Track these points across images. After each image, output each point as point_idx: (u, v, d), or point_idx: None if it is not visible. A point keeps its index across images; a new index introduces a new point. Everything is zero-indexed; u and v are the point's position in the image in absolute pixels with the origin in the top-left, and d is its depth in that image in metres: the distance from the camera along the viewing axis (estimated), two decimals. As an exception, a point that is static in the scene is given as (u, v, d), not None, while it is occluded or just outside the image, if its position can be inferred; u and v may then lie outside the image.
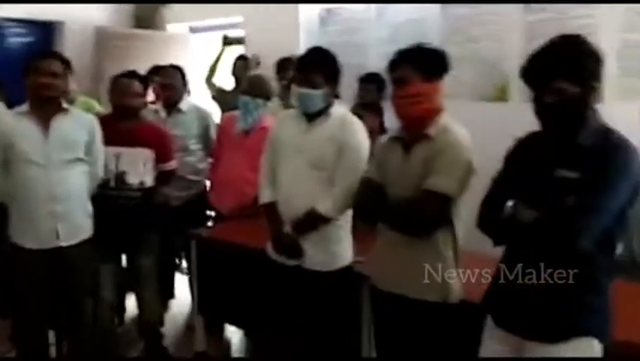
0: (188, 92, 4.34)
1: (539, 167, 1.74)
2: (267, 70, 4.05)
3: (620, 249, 2.51)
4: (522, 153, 1.86)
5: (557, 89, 1.65)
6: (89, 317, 3.05)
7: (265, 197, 2.60)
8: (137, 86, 3.13)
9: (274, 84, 3.70)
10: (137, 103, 3.13)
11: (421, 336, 2.11)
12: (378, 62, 3.68)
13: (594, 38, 3.15)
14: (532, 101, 1.72)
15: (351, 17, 4.40)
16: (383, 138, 2.31)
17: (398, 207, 2.11)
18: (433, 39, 3.86)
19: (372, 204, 2.21)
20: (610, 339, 1.74)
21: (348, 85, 4.00)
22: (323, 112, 2.48)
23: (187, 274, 4.28)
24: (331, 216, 2.43)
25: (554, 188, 1.67)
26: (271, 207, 2.56)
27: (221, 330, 3.68)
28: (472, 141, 2.11)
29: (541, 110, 1.71)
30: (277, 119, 2.78)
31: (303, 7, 4.63)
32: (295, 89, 2.50)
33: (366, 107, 3.35)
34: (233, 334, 3.75)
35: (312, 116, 2.49)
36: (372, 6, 4.25)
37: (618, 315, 1.81)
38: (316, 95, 2.44)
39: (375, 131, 3.13)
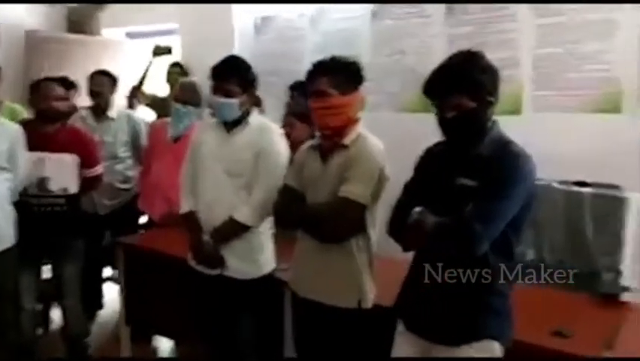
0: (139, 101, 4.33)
1: (443, 176, 1.82)
2: (202, 77, 4.04)
3: (531, 254, 2.66)
4: (429, 162, 1.95)
5: (455, 104, 1.74)
6: (10, 326, 2.97)
7: (185, 206, 2.60)
8: (59, 89, 3.07)
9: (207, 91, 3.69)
10: (61, 107, 3.08)
11: (336, 341, 2.15)
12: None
13: (514, 52, 3.40)
14: (436, 115, 1.80)
15: (286, 26, 4.44)
16: (303, 147, 2.35)
17: (313, 213, 2.15)
18: (364, 49, 3.98)
19: (289, 211, 2.24)
20: (510, 341, 1.82)
21: (284, 93, 4.07)
22: (241, 120, 2.51)
23: (118, 283, 4.21)
24: (250, 224, 2.45)
25: (455, 196, 1.75)
26: (191, 217, 2.56)
27: (149, 340, 3.64)
28: (396, 151, 2.17)
29: (442, 123, 1.80)
30: (197, 127, 2.79)
31: (237, 15, 4.65)
32: (211, 98, 2.51)
33: (297, 116, 3.38)
34: (164, 343, 3.70)
35: (231, 125, 2.51)
36: (307, 15, 4.30)
37: (526, 317, 1.91)
38: (232, 104, 2.46)
39: (306, 139, 3.17)
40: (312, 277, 2.18)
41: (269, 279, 2.55)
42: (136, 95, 4.61)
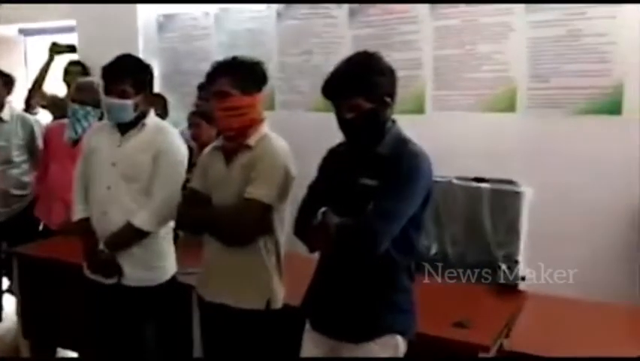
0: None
1: (345, 176, 1.84)
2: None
3: (434, 249, 2.75)
4: (331, 162, 1.97)
5: (353, 106, 1.77)
6: None
7: (78, 213, 2.49)
8: None
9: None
10: None
11: (246, 344, 2.13)
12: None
13: (415, 54, 3.50)
14: (336, 116, 1.82)
15: (190, 24, 4.36)
16: (207, 148, 2.31)
17: (217, 216, 2.12)
18: (272, 49, 3.97)
19: (193, 215, 2.19)
20: (413, 335, 1.87)
21: (188, 92, 3.99)
22: (137, 122, 2.42)
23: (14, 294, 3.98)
24: (149, 230, 2.37)
25: (357, 195, 1.78)
26: (84, 224, 2.46)
27: (54, 352, 3.46)
28: (307, 150, 2.19)
29: (341, 124, 1.82)
30: (90, 130, 2.66)
31: (141, 13, 4.50)
32: (104, 98, 2.41)
33: (203, 116, 3.32)
34: (67, 355, 3.53)
35: (126, 127, 2.42)
36: (212, 13, 4.24)
37: (428, 310, 1.97)
38: (126, 105, 2.36)
39: (211, 140, 3.12)
40: (219, 280, 2.15)
41: (171, 284, 2.48)
42: (34, 96, 4.36)
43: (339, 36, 3.76)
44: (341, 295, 1.84)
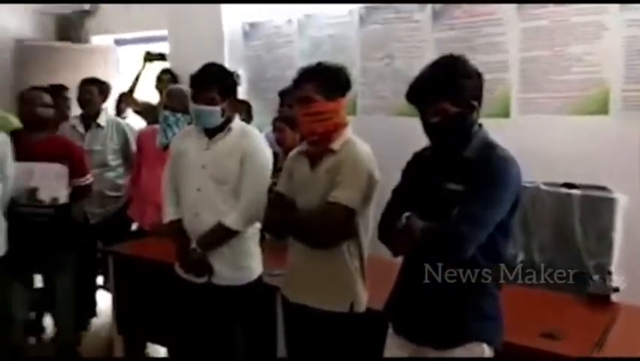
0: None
1: (430, 180, 1.83)
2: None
3: (521, 256, 2.67)
4: (416, 166, 1.96)
5: (439, 110, 1.75)
6: (12, 336, 2.98)
7: (169, 215, 2.60)
8: (45, 97, 3.07)
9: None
10: (45, 114, 3.07)
11: (329, 346, 2.15)
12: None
13: (501, 56, 3.43)
14: (421, 120, 1.81)
15: (274, 32, 4.46)
16: (291, 153, 2.36)
17: (304, 220, 2.15)
18: (353, 54, 4.00)
19: (280, 219, 2.24)
20: (500, 344, 1.83)
21: (273, 98, 4.08)
22: (223, 127, 2.51)
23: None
24: (238, 229, 2.45)
25: (442, 200, 1.76)
26: (176, 225, 2.56)
27: (144, 347, 3.62)
28: (388, 155, 2.20)
29: (426, 129, 1.81)
30: (178, 135, 2.77)
31: (226, 21, 4.65)
32: (192, 105, 2.51)
33: (287, 121, 3.39)
34: (158, 351, 3.69)
35: (213, 132, 2.51)
36: (294, 20, 4.32)
37: (515, 319, 1.92)
38: (213, 112, 2.45)
39: (295, 144, 3.18)
40: (304, 282, 2.18)
41: (258, 285, 2.55)
42: (124, 101, 4.60)
43: (422, 40, 3.74)
44: (426, 300, 1.82)
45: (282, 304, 2.37)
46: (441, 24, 3.66)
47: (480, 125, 1.83)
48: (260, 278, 2.57)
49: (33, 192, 2.97)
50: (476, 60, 1.87)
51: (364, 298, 2.17)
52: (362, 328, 2.14)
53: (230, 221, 2.44)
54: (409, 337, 1.88)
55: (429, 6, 3.71)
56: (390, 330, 1.96)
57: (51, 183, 3.01)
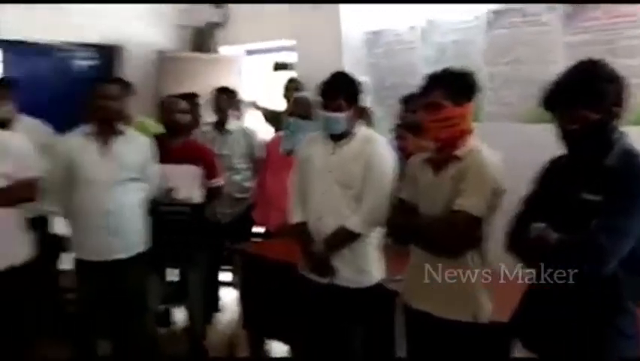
0: (238, 114, 4.53)
1: (565, 190, 1.76)
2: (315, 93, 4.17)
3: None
4: (551, 175, 1.89)
5: (578, 117, 1.69)
6: (137, 324, 3.18)
7: (295, 217, 2.69)
8: (182, 104, 3.30)
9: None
10: (182, 119, 3.30)
11: (451, 354, 2.13)
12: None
13: None
14: (557, 127, 1.75)
15: (397, 39, 4.47)
16: (414, 159, 2.36)
17: (428, 227, 2.15)
18: (478, 59, 3.92)
19: (403, 225, 2.26)
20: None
21: (392, 105, 4.08)
22: (348, 133, 2.57)
23: (234, 287, 4.41)
24: (360, 231, 2.51)
25: (578, 211, 1.69)
26: (302, 227, 2.65)
27: (262, 343, 3.77)
28: (514, 162, 2.15)
29: (564, 136, 1.75)
30: (305, 141, 2.87)
31: (346, 29, 4.73)
32: (320, 112, 2.60)
33: (408, 128, 3.39)
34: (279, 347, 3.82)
35: (338, 137, 2.58)
36: (418, 27, 4.31)
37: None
38: (340, 118, 2.53)
39: (417, 151, 3.17)
40: (426, 289, 2.18)
41: (379, 289, 2.58)
42: (238, 107, 4.80)
43: (552, 43, 3.58)
44: (559, 315, 1.75)
45: (403, 310, 2.38)
46: (573, 27, 3.48)
47: (621, 133, 1.74)
48: (380, 283, 2.60)
49: (171, 192, 3.21)
50: (617, 64, 1.78)
51: (488, 309, 2.13)
52: (486, 338, 2.10)
53: (353, 224, 2.49)
54: (540, 352, 1.81)
55: (559, 8, 3.55)
56: (519, 344, 1.90)
57: (187, 183, 3.23)
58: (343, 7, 4.69)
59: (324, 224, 2.55)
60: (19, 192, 2.73)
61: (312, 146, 2.69)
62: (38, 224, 3.29)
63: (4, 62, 5.16)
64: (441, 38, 4.17)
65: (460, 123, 2.14)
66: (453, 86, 2.13)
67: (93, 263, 2.97)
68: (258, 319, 3.41)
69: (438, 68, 2.23)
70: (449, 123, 2.12)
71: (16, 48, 5.18)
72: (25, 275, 2.81)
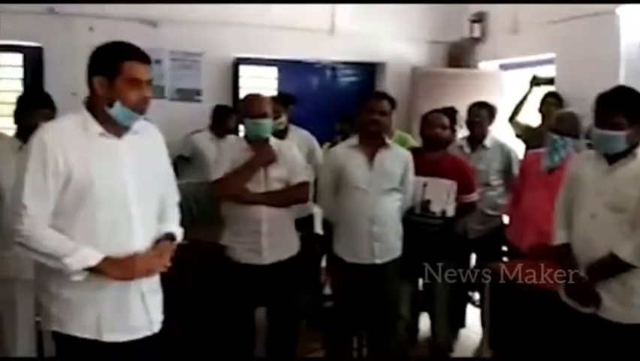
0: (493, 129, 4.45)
1: None
2: (578, 108, 3.92)
3: None
4: None
5: None
6: (389, 331, 3.33)
7: (559, 238, 2.56)
8: (444, 119, 3.37)
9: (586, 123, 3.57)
10: (443, 135, 3.36)
11: None
12: None
13: None
14: None
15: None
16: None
17: None
18: None
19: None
20: None
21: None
22: (626, 153, 2.37)
23: (478, 306, 4.34)
24: (632, 263, 2.29)
25: None
26: (565, 249, 2.51)
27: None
28: None
29: None
30: (575, 159, 2.71)
31: (624, 39, 4.34)
32: (594, 130, 2.42)
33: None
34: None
35: (614, 158, 2.39)
36: None
37: None
38: (618, 137, 2.33)
39: None
40: None
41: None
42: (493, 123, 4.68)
43: None
44: None
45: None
46: None
47: None
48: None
49: (426, 204, 3.30)
50: None
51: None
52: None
53: (625, 253, 2.29)
54: None
55: None
56: None
57: (442, 197, 3.29)
58: (622, 17, 4.33)
59: (592, 248, 2.38)
60: (294, 195, 3.09)
61: (584, 165, 2.54)
62: (305, 224, 3.63)
63: (279, 79, 5.83)
64: None
65: None
66: None
67: (353, 265, 3.19)
68: (507, 341, 3.30)
69: None
70: None
71: (290, 67, 5.82)
72: (293, 269, 3.17)
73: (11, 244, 1.96)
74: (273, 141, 3.18)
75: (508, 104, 5.09)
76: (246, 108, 3.12)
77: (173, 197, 2.24)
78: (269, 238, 3.05)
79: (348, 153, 3.25)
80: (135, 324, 2.06)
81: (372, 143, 3.20)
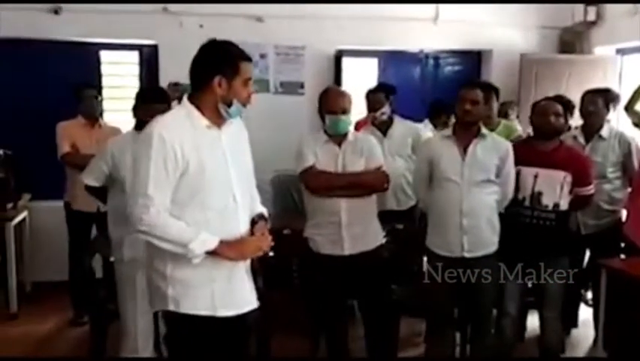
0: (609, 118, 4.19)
1: None
2: None
3: None
4: None
5: None
6: (491, 326, 3.27)
7: None
8: (557, 107, 3.19)
9: None
10: (557, 123, 3.18)
11: None
12: None
13: None
14: None
15: None
16: None
17: None
18: None
19: None
20: None
21: None
22: None
23: (591, 305, 4.12)
24: None
25: None
26: None
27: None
28: None
29: None
30: None
31: None
32: None
33: None
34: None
35: None
36: None
37: None
38: None
39: None
40: None
41: None
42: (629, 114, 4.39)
43: None
44: None
45: None
46: None
47: None
48: None
49: (538, 196, 3.14)
50: None
51: None
52: None
53: None
54: None
55: None
56: None
57: (555, 189, 3.11)
58: None
59: None
60: (371, 180, 3.15)
61: None
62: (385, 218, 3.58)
63: (381, 69, 5.79)
64: None
65: None
66: None
67: (444, 258, 3.12)
68: (623, 342, 3.12)
69: None
70: None
71: (391, 57, 5.76)
72: (377, 260, 3.20)
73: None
74: (351, 133, 3.23)
75: (626, 91, 4.75)
76: (326, 103, 3.17)
77: (254, 179, 2.40)
78: (348, 229, 3.10)
79: (441, 143, 3.19)
80: (243, 299, 2.25)
81: (466, 133, 3.11)
